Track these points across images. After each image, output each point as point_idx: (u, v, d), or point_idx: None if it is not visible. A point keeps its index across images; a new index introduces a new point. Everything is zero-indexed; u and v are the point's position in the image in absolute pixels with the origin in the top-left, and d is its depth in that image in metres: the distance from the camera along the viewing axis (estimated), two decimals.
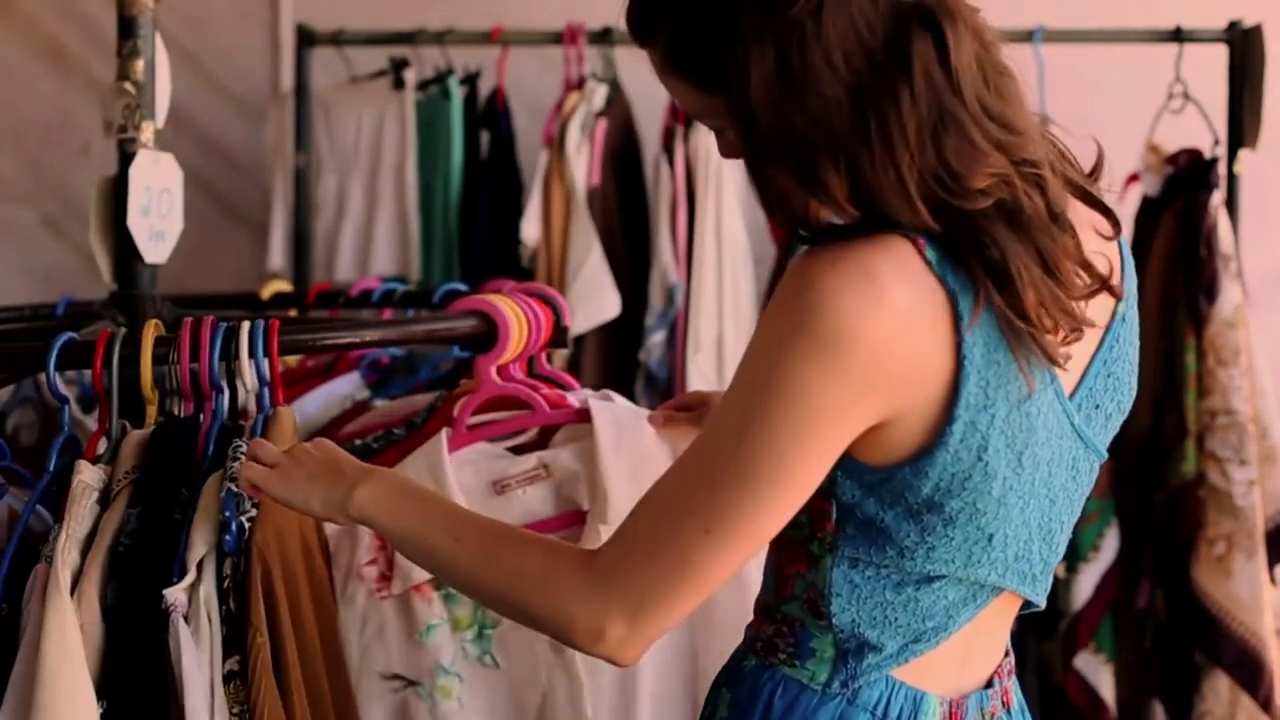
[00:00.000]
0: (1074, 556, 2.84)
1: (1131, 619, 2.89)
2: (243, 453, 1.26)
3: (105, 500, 1.28)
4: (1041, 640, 2.93)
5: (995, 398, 1.03)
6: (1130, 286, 1.16)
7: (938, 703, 1.13)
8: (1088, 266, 1.06)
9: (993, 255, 1.01)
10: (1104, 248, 1.12)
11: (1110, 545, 2.86)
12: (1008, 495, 1.07)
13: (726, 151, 1.15)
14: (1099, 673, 2.84)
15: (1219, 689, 2.75)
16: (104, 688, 1.17)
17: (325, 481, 1.18)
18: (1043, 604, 1.18)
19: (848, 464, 1.07)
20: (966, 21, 1.03)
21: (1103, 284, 1.06)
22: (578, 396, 1.56)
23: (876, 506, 1.07)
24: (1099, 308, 1.11)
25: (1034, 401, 1.05)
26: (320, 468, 1.19)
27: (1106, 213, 1.13)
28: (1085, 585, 2.84)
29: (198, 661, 1.17)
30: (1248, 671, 2.70)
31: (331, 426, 1.74)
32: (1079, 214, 1.09)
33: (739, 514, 1.03)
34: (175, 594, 1.19)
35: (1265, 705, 2.70)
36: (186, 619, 1.19)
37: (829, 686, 1.13)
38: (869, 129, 1.00)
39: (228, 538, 1.22)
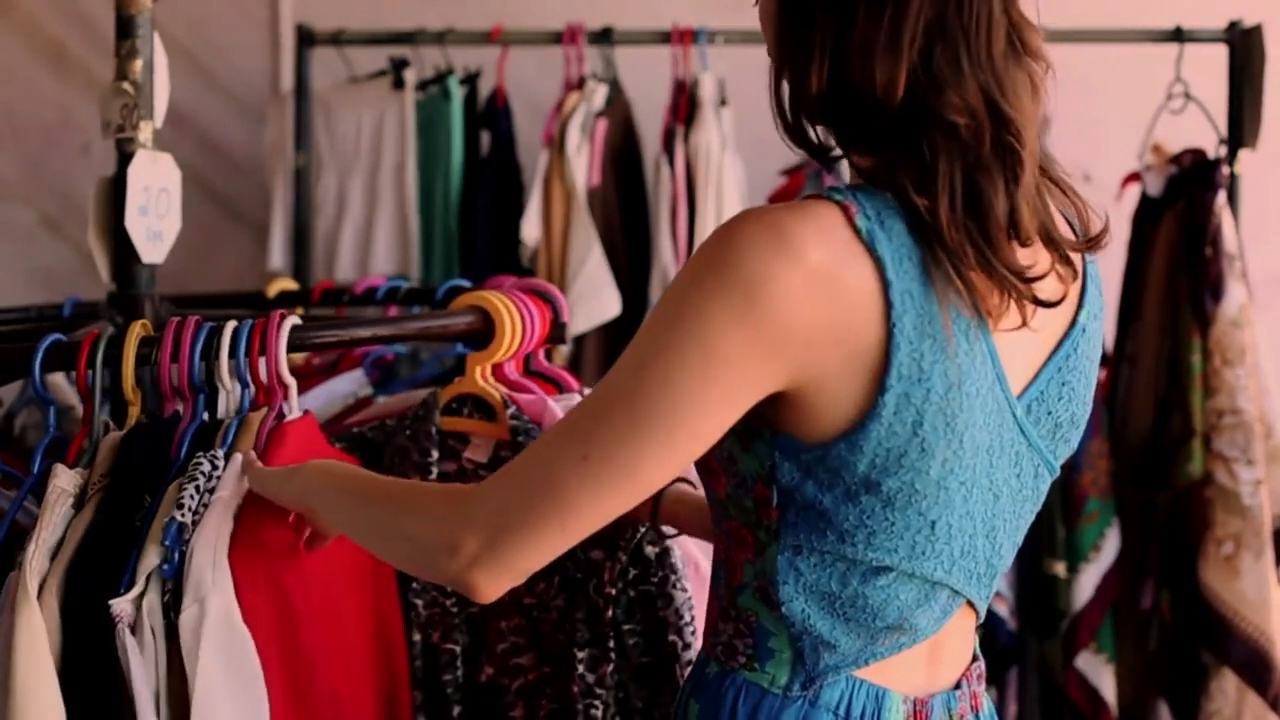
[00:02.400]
0: (1075, 556, 2.84)
1: (1135, 619, 2.89)
2: (201, 470, 1.26)
3: (80, 504, 1.28)
4: (1042, 640, 2.93)
5: (931, 372, 1.03)
6: (1093, 301, 1.16)
7: (901, 700, 1.13)
8: (1020, 230, 1.06)
9: (925, 156, 1.04)
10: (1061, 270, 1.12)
11: (1111, 545, 2.85)
12: (948, 479, 1.06)
13: None
14: (1100, 673, 2.84)
15: (1226, 689, 2.75)
16: (66, 696, 1.17)
17: (281, 476, 1.26)
18: (983, 614, 1.18)
19: (784, 444, 1.06)
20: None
21: (1028, 279, 1.06)
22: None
23: (815, 489, 1.06)
24: (1057, 316, 1.12)
25: (973, 382, 1.05)
26: (283, 469, 1.28)
27: (1065, 261, 1.12)
28: (1086, 585, 2.84)
29: (144, 673, 1.17)
30: (1256, 671, 2.70)
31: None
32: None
33: (620, 445, 1.01)
34: (121, 605, 1.18)
35: (1274, 704, 2.70)
36: (133, 630, 1.18)
37: (790, 690, 1.12)
38: (883, 8, 1.04)
39: (166, 566, 1.21)
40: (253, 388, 1.35)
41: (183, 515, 1.23)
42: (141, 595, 1.20)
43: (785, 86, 1.10)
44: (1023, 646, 2.92)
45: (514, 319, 1.53)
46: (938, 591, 1.11)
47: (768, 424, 1.06)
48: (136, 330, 1.34)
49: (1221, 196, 2.79)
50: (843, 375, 1.03)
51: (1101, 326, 1.19)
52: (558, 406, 1.52)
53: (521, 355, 1.58)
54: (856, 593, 1.09)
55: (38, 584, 1.19)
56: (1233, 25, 2.90)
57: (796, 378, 1.02)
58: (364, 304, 1.98)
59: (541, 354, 1.66)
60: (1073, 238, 1.13)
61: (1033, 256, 1.08)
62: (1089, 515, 2.84)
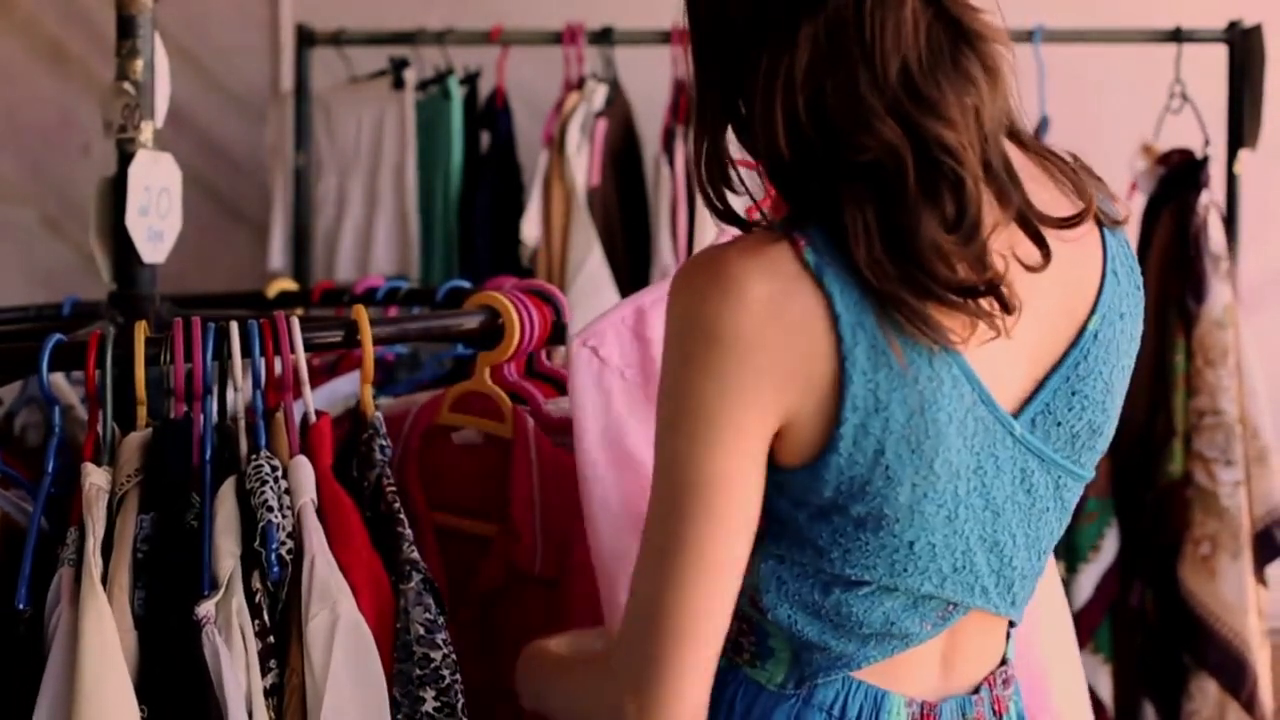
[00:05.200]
0: (1074, 557, 2.84)
1: (1127, 619, 2.89)
2: (265, 472, 1.27)
3: (111, 503, 1.28)
4: None
5: (889, 401, 1.00)
6: (1109, 303, 1.10)
7: (904, 703, 1.11)
8: (981, 267, 0.99)
9: (829, 206, 0.99)
10: (1079, 265, 1.08)
11: (1110, 545, 2.86)
12: (920, 502, 1.04)
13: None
14: (1097, 673, 2.84)
15: (1207, 690, 2.75)
16: (142, 694, 1.18)
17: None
18: (1017, 618, 1.16)
19: None
20: None
21: (985, 291, 0.99)
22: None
23: (788, 505, 1.06)
24: (1059, 325, 1.08)
25: (941, 407, 1.01)
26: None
27: (1039, 242, 1.04)
28: (1085, 585, 2.84)
29: (234, 673, 1.18)
30: (1231, 674, 2.70)
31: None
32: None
33: (681, 543, 1.02)
34: (207, 607, 1.19)
35: (1248, 707, 2.70)
36: (219, 630, 1.19)
37: (784, 687, 1.12)
38: (760, 56, 1.01)
39: (275, 570, 1.23)
40: (263, 387, 1.35)
41: (275, 517, 1.24)
42: (225, 596, 1.21)
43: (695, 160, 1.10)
44: None
45: (516, 318, 1.54)
46: (928, 602, 1.10)
47: None
48: (142, 330, 1.34)
49: (1205, 196, 2.79)
50: (806, 409, 1.01)
51: (1131, 325, 1.13)
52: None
53: (523, 356, 1.59)
54: (840, 601, 1.08)
55: (100, 581, 1.19)
56: (1233, 25, 2.90)
57: (783, 415, 1.01)
58: (364, 304, 1.98)
59: (543, 354, 1.66)
60: (1070, 213, 1.07)
61: (1007, 245, 1.01)
62: (1088, 515, 2.84)
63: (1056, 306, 1.07)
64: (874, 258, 0.98)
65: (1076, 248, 1.08)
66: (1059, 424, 1.10)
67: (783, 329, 0.99)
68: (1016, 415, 1.07)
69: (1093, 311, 1.09)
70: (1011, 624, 1.18)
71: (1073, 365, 1.09)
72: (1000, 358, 1.04)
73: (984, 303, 0.99)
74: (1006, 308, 1.00)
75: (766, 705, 1.12)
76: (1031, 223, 1.03)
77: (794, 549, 1.07)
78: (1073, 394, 1.09)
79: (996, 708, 1.17)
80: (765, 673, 1.13)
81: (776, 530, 1.08)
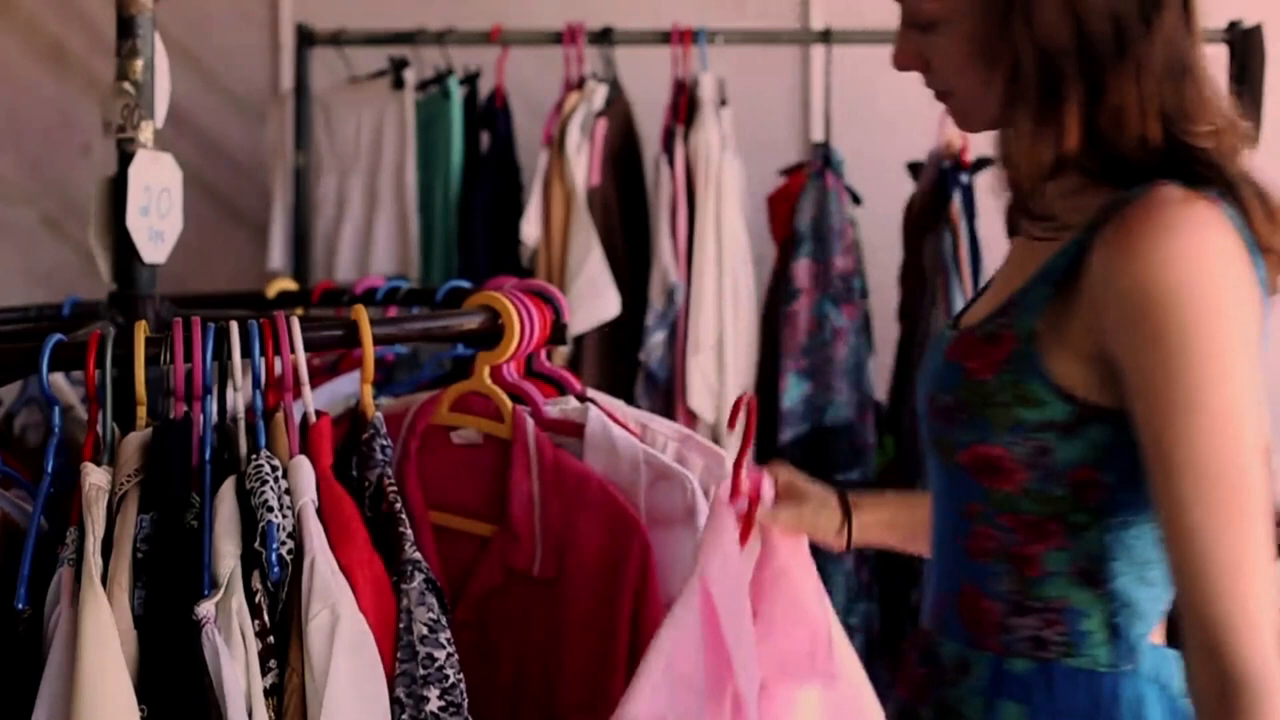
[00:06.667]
0: None
1: None
2: (265, 472, 1.27)
3: (111, 503, 1.28)
4: None
5: (1263, 347, 1.10)
6: None
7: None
8: None
9: (1222, 178, 1.12)
10: None
11: None
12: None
13: (911, 62, 1.23)
14: None
15: None
16: (142, 694, 1.18)
17: None
18: None
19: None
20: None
21: None
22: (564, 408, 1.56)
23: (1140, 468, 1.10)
24: None
25: (1264, 358, 1.11)
26: None
27: None
28: None
29: (234, 673, 1.18)
30: None
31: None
32: None
33: (1260, 485, 1.05)
34: (207, 607, 1.19)
35: None
36: (219, 630, 1.19)
37: (1117, 666, 1.15)
38: (1126, 49, 1.11)
39: (275, 571, 1.23)
40: (262, 387, 1.36)
41: (276, 517, 1.24)
42: (225, 596, 1.21)
43: (1024, 156, 1.15)
44: None
45: (521, 319, 1.54)
46: None
47: (1117, 402, 1.10)
48: (142, 330, 1.34)
49: None
50: None
51: None
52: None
53: (522, 356, 1.59)
54: (1157, 553, 1.13)
55: (99, 581, 1.19)
56: (1233, 25, 2.90)
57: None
58: (364, 304, 1.98)
59: (543, 354, 1.66)
60: None
61: None
62: None
63: None
64: (1267, 213, 1.12)
65: None
66: None
67: (1252, 286, 1.09)
68: None
69: None
70: None
71: None
72: None
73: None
74: None
75: (1108, 687, 1.14)
76: None
77: (1137, 511, 1.12)
78: None
79: None
80: (1087, 658, 1.16)
81: (1128, 495, 1.12)
